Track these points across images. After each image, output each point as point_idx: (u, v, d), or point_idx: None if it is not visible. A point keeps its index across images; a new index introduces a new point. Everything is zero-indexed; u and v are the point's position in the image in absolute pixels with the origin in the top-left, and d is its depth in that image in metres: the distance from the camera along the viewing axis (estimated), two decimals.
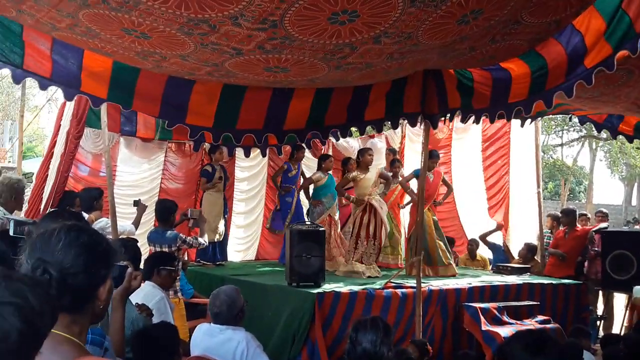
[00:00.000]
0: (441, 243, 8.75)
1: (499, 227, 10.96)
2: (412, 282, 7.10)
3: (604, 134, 9.36)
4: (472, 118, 6.77)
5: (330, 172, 9.29)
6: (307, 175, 9.71)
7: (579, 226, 9.55)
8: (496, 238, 11.14)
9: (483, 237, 10.71)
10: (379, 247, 8.38)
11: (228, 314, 3.96)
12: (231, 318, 3.96)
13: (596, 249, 9.44)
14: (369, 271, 8.12)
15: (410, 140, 11.60)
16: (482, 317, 7.11)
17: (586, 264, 9.56)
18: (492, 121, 6.78)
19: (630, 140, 9.63)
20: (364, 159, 8.41)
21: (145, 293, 4.67)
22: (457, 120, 7.31)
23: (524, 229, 11.41)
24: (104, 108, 6.53)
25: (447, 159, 11.74)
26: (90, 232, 1.88)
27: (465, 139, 11.58)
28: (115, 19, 3.90)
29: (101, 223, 6.63)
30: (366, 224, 8.18)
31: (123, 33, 4.16)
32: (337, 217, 9.27)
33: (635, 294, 7.93)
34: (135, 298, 4.46)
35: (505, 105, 6.28)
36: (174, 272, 5.01)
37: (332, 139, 9.99)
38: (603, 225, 10.05)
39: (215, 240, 9.07)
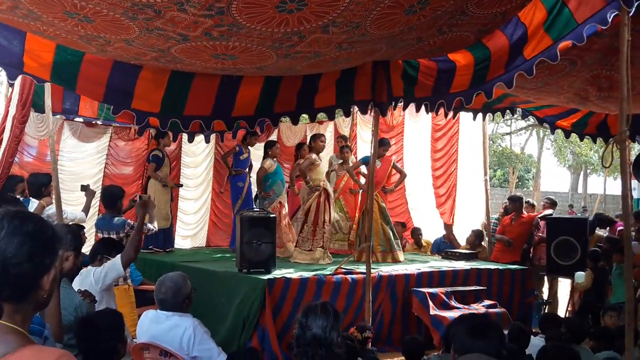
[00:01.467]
0: (388, 230, 8.86)
1: (447, 228, 11.15)
2: (362, 268, 7.19)
3: None
4: (414, 107, 6.85)
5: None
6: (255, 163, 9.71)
7: (525, 213, 9.79)
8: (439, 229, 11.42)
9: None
10: (330, 233, 8.47)
11: (173, 300, 3.94)
12: (176, 305, 3.94)
13: (541, 234, 9.70)
14: (325, 259, 8.19)
15: (362, 128, 11.69)
16: (430, 302, 7.25)
17: (531, 249, 9.81)
18: (432, 110, 6.86)
19: (567, 135, 9.95)
20: (316, 144, 8.46)
21: (89, 280, 4.61)
22: (410, 108, 7.39)
23: (472, 216, 11.68)
24: (47, 91, 6.38)
25: (400, 147, 11.89)
26: (35, 219, 1.83)
27: (417, 127, 11.72)
28: (57, 2, 3.81)
29: (50, 210, 6.51)
30: (323, 210, 8.23)
31: (65, 16, 4.06)
32: (286, 203, 9.29)
33: (577, 280, 8.19)
34: (77, 284, 4.43)
35: (446, 95, 6.37)
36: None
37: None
38: (548, 211, 10.31)
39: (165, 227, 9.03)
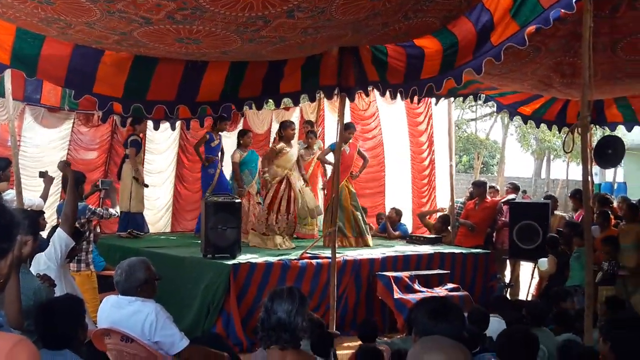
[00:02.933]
0: (358, 214, 8.91)
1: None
2: (327, 253, 7.22)
3: None
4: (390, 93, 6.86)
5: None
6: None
7: (488, 198, 9.92)
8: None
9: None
10: (294, 222, 8.47)
11: (126, 284, 3.87)
12: (130, 289, 3.86)
13: (504, 219, 9.85)
14: (285, 244, 8.20)
15: (330, 113, 11.70)
16: (394, 286, 7.34)
17: (494, 234, 9.96)
18: (407, 97, 6.88)
19: (525, 121, 10.12)
20: (286, 132, 8.43)
21: (42, 260, 4.56)
22: (378, 93, 7.40)
23: (438, 201, 11.86)
24: (7, 75, 6.23)
25: (379, 132, 11.98)
26: None
27: (391, 111, 11.77)
28: None
29: (9, 195, 6.39)
30: (281, 197, 8.23)
31: None
32: (255, 191, 9.28)
33: (540, 266, 8.35)
34: (33, 269, 4.35)
35: (418, 81, 6.40)
36: (76, 246, 4.88)
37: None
38: (511, 196, 10.47)
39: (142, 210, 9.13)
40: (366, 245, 8.79)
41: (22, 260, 2.83)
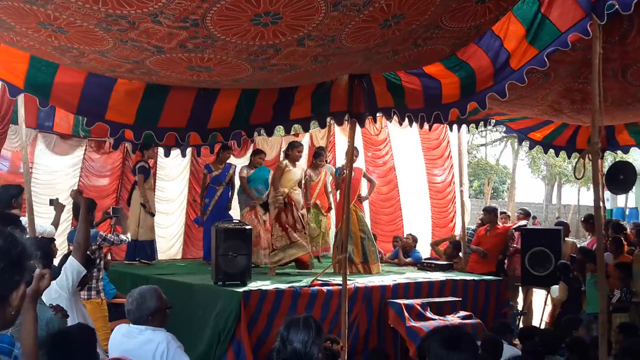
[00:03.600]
0: (367, 240, 8.88)
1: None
2: (338, 280, 7.18)
3: None
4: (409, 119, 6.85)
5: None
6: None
7: (499, 224, 9.87)
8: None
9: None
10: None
11: (137, 312, 3.86)
12: (141, 318, 3.85)
13: (515, 245, 9.79)
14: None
15: (341, 138, 11.75)
16: (406, 314, 7.27)
17: (506, 260, 9.89)
18: (428, 122, 6.82)
19: (531, 147, 10.15)
20: (292, 152, 8.50)
21: (53, 289, 4.54)
22: (393, 120, 7.40)
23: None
24: (20, 102, 6.31)
25: (390, 157, 12.03)
26: (4, 235, 1.80)
27: (403, 136, 11.75)
28: (30, 12, 3.77)
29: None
30: (285, 217, 8.23)
31: (39, 27, 4.02)
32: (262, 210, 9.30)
33: (552, 294, 8.27)
34: (48, 297, 4.35)
35: (440, 105, 6.38)
36: (87, 277, 4.86)
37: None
38: (523, 222, 10.41)
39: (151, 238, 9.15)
40: (376, 271, 8.74)
41: (39, 294, 2.82)
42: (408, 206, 12.16)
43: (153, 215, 9.20)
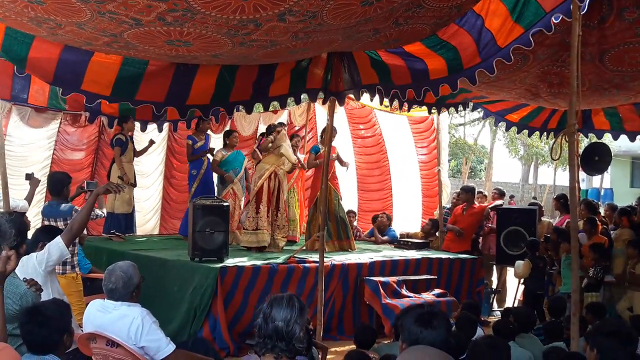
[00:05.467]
0: (342, 217, 8.91)
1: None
2: (315, 257, 7.21)
3: None
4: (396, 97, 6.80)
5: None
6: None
7: (476, 203, 9.95)
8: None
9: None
10: (286, 219, 8.44)
11: (124, 290, 3.86)
12: (126, 295, 3.86)
13: (490, 225, 9.89)
14: (277, 244, 8.18)
15: (320, 116, 11.68)
16: (382, 291, 7.34)
17: (480, 239, 10.00)
18: (418, 97, 6.76)
19: (507, 127, 10.24)
20: (273, 134, 8.46)
21: (31, 264, 4.50)
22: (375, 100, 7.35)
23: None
24: None
25: (380, 137, 12.04)
26: None
27: (390, 115, 11.71)
28: None
29: None
30: (268, 191, 8.19)
31: None
32: (240, 191, 9.26)
33: (516, 269, 8.39)
34: (19, 273, 4.31)
35: (428, 81, 6.34)
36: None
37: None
38: (499, 202, 10.51)
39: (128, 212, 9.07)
40: (351, 248, 8.79)
41: (5, 277, 2.76)
42: (397, 180, 12.17)
43: (134, 185, 9.16)
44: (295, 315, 2.90)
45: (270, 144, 8.29)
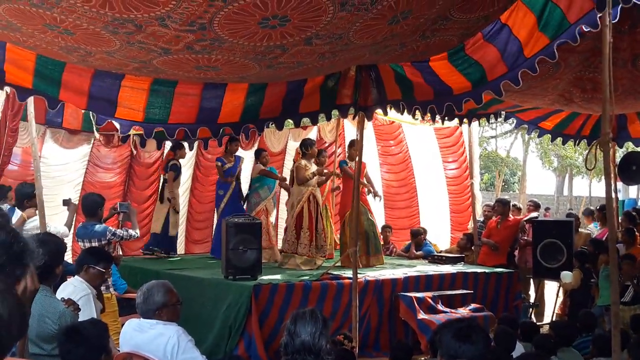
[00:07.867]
0: (373, 232, 8.87)
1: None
2: (348, 273, 7.18)
3: None
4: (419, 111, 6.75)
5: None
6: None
7: (511, 216, 9.83)
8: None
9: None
10: (324, 240, 8.46)
11: (144, 306, 3.86)
12: (148, 311, 3.87)
13: (526, 237, 9.74)
14: (311, 263, 8.18)
15: (350, 131, 11.71)
16: (417, 307, 7.27)
17: (517, 252, 9.85)
18: (440, 113, 6.67)
19: (540, 135, 10.10)
20: (312, 150, 8.51)
21: (73, 288, 4.58)
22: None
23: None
24: (30, 98, 6.35)
25: (406, 153, 12.04)
26: (6, 230, 1.83)
27: (417, 129, 11.70)
28: (36, 15, 3.77)
29: (33, 223, 6.41)
30: (309, 216, 8.22)
31: (45, 28, 4.02)
32: (273, 208, 9.33)
33: (564, 279, 8.21)
34: (62, 293, 4.39)
35: (452, 96, 6.20)
36: (104, 273, 4.87)
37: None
38: (534, 214, 10.36)
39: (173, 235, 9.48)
40: (380, 263, 8.74)
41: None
42: (425, 196, 12.13)
43: (177, 212, 9.49)
44: (320, 328, 2.92)
45: (310, 175, 8.34)
